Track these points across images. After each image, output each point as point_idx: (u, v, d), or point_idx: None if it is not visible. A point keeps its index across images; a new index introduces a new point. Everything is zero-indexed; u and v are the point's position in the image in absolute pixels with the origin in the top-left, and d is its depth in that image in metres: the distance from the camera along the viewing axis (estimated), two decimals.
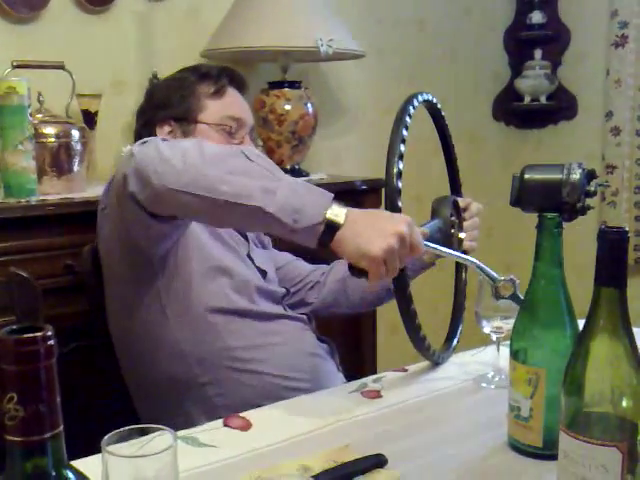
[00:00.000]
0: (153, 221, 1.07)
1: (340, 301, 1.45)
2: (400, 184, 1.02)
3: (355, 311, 1.52)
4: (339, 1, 2.26)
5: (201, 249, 1.21)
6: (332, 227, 0.91)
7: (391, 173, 1.02)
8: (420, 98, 1.15)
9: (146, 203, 1.02)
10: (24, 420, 0.45)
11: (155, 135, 1.35)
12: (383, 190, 1.03)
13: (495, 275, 1.05)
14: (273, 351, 1.21)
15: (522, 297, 1.03)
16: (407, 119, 1.07)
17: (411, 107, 1.10)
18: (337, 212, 0.92)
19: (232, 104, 1.38)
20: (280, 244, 1.53)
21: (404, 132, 1.05)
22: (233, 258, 1.27)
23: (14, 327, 0.45)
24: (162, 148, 1.00)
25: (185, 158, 0.97)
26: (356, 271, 0.96)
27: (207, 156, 0.97)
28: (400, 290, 1.02)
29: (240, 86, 1.43)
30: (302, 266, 1.50)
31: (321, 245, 0.93)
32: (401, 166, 1.02)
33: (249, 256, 1.33)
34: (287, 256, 1.52)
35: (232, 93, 1.40)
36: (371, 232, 0.92)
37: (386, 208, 1.01)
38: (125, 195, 1.04)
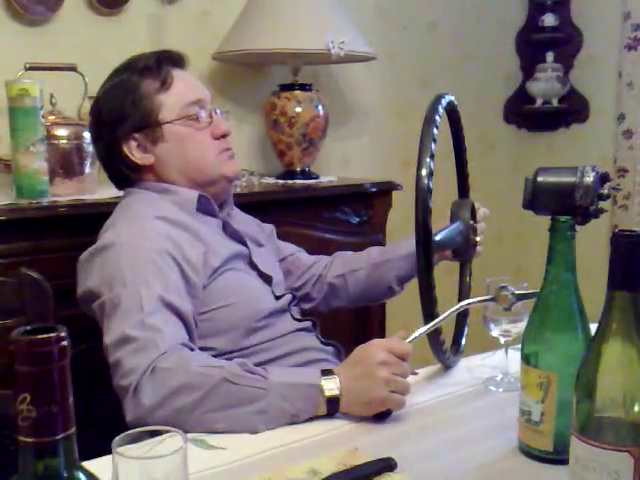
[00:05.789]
0: None
1: (341, 295, 1.46)
2: (431, 184, 1.02)
3: (356, 305, 1.54)
4: (350, 3, 2.26)
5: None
6: (333, 399, 0.97)
7: (421, 173, 1.01)
8: (447, 98, 1.14)
9: None
10: (36, 421, 0.45)
11: (123, 153, 1.26)
12: (414, 189, 1.01)
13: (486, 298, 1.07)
14: (280, 363, 1.20)
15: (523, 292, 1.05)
16: (437, 118, 1.06)
17: (440, 107, 1.09)
18: (330, 386, 0.97)
19: (185, 88, 1.28)
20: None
21: (435, 131, 1.04)
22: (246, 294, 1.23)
23: (28, 328, 0.45)
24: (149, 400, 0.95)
25: (174, 402, 0.95)
26: (380, 414, 0.98)
27: (192, 404, 0.94)
28: (425, 294, 1.03)
29: (181, 63, 1.32)
30: (304, 258, 1.49)
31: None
32: (432, 166, 1.02)
33: (252, 263, 1.28)
34: (291, 247, 1.50)
35: (179, 76, 1.28)
36: (364, 382, 0.97)
37: (416, 208, 1.01)
38: None
